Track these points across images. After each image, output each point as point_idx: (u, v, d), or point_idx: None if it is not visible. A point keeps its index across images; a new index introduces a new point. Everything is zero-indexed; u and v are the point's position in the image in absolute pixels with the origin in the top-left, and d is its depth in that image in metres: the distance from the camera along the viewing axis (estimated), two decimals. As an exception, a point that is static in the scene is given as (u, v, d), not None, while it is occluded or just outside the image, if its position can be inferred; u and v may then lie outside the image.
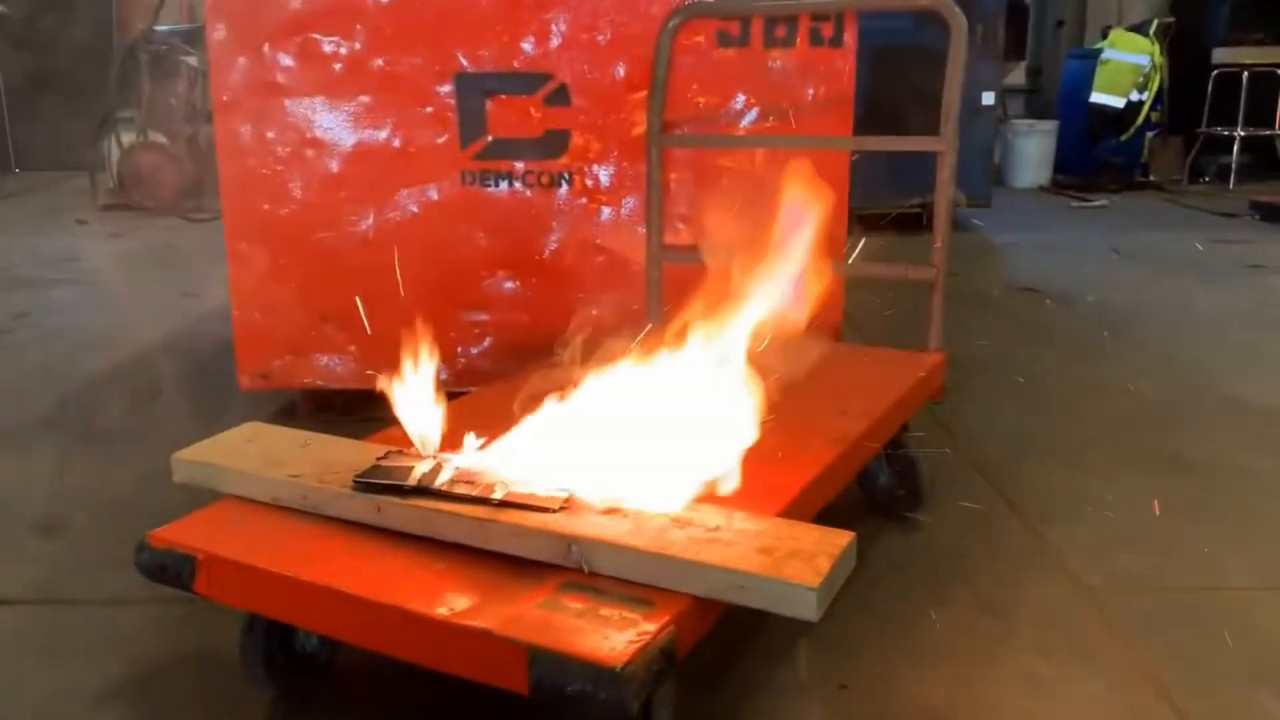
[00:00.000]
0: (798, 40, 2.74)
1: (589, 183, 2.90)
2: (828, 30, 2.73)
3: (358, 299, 2.81)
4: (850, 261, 2.73)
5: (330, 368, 3.00)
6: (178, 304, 4.65)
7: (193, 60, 7.71)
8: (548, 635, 1.27)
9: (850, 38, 2.73)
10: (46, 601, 2.09)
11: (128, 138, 7.28)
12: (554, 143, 2.87)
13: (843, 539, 1.40)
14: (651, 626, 1.29)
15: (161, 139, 7.46)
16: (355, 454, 1.72)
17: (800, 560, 1.34)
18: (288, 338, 2.98)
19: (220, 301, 4.53)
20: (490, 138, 2.86)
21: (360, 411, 3.01)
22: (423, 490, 1.55)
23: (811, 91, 2.76)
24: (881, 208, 5.99)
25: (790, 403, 2.11)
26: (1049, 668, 1.83)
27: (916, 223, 6.31)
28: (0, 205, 7.96)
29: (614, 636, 1.26)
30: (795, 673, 1.81)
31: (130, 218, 7.14)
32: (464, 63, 2.82)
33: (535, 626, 1.29)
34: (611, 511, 1.50)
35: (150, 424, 3.11)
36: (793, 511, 1.59)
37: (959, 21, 2.34)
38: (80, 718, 1.71)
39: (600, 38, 2.78)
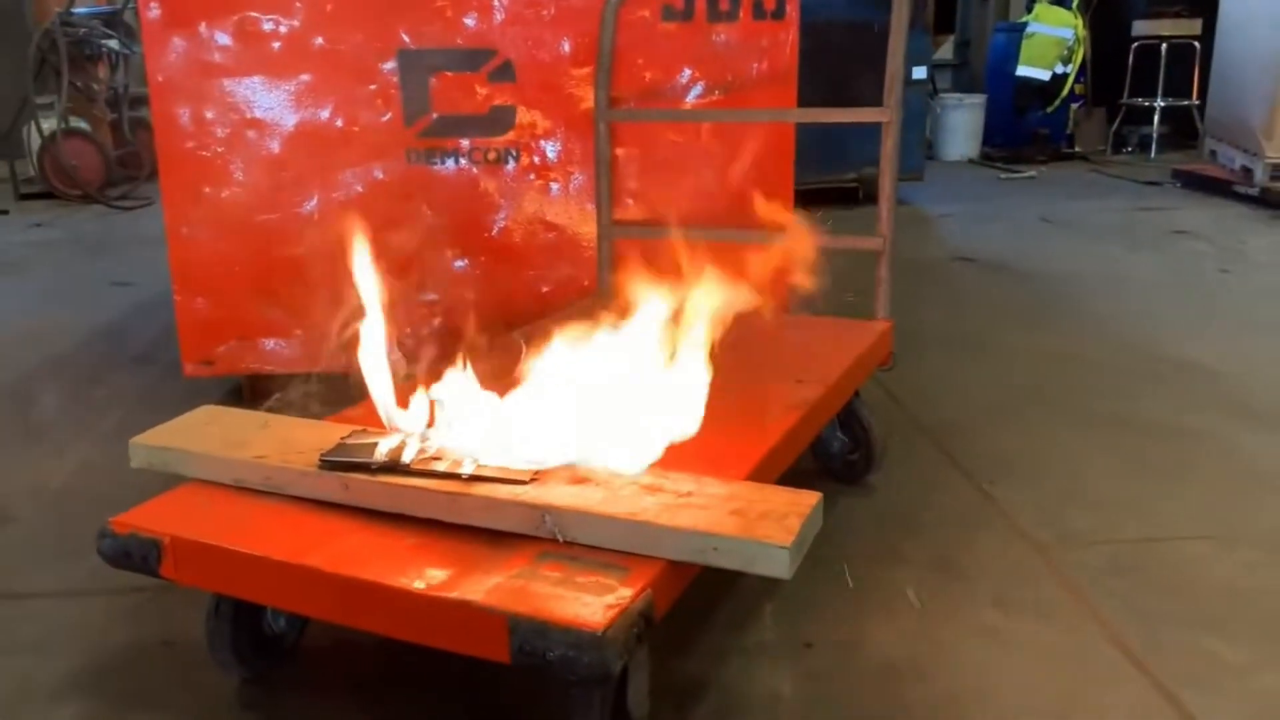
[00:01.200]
0: (741, 14, 2.76)
1: (536, 159, 2.89)
2: (770, 3, 2.75)
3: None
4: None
5: (276, 352, 2.96)
6: (109, 293, 4.55)
7: (113, 44, 7.50)
8: (527, 603, 1.28)
9: (793, 10, 2.75)
10: (-3, 596, 2.05)
11: (48, 124, 7.07)
12: (500, 119, 2.85)
13: (810, 499, 1.43)
14: (629, 590, 1.30)
15: (83, 125, 7.26)
16: (316, 434, 1.71)
17: (771, 521, 1.37)
18: (232, 323, 2.94)
19: (152, 289, 4.46)
20: (435, 115, 2.84)
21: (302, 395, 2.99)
22: (390, 467, 1.55)
23: (755, 65, 2.78)
24: (818, 182, 6.04)
25: (746, 371, 2.14)
26: (1005, 620, 1.89)
27: (852, 197, 6.39)
28: (-86, 196, 7.68)
29: (593, 601, 1.28)
30: (762, 634, 1.84)
31: (52, 206, 6.95)
32: (406, 39, 2.79)
33: (514, 595, 1.30)
34: (581, 481, 1.51)
35: (89, 414, 3.05)
36: (756, 477, 1.62)
37: (902, -8, 2.38)
38: (40, 711, 1.68)
39: (544, 12, 2.77)
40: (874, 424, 2.37)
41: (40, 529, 2.32)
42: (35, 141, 7.13)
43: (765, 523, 1.36)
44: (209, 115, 2.81)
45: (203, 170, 2.83)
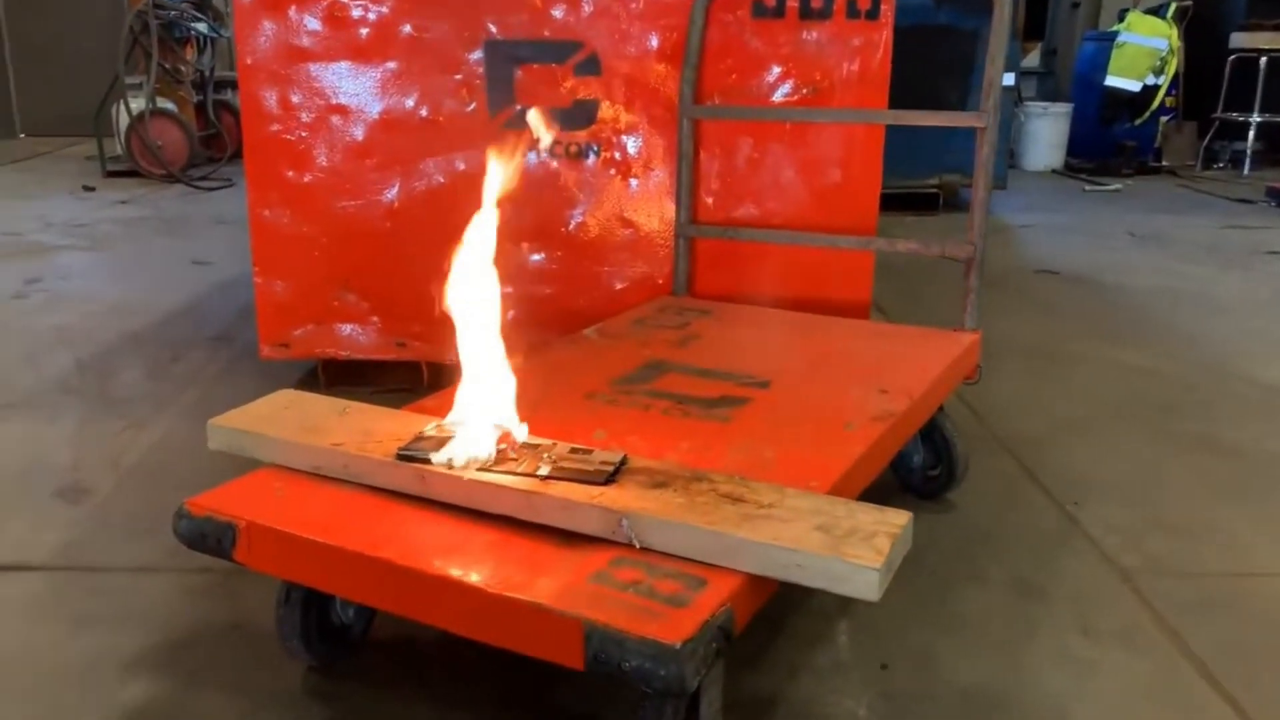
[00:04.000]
0: (834, 12, 2.69)
1: (617, 154, 2.86)
2: (864, 3, 2.68)
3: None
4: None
5: (353, 337, 2.97)
6: (189, 271, 4.62)
7: (202, 27, 7.65)
8: (604, 610, 1.24)
9: (888, 10, 2.67)
10: (73, 568, 2.07)
11: (136, 104, 7.21)
12: (583, 112, 2.82)
13: (900, 518, 1.38)
14: (709, 603, 1.26)
15: (170, 106, 7.40)
16: (394, 423, 1.69)
17: (859, 539, 1.32)
18: (309, 307, 2.95)
19: (231, 270, 4.52)
20: (519, 106, 2.81)
21: (381, 382, 3.00)
22: (467, 462, 1.52)
23: (847, 65, 2.71)
24: (898, 187, 5.93)
25: (828, 378, 2.09)
26: (1091, 648, 1.82)
27: (933, 203, 6.27)
28: (7, 171, 7.90)
29: (672, 613, 1.24)
30: (835, 653, 1.79)
31: (137, 185, 7.10)
32: (493, 29, 2.77)
33: (590, 601, 1.27)
34: (660, 485, 1.47)
35: (167, 391, 3.09)
36: (838, 490, 1.57)
37: (1003, -5, 2.31)
38: (112, 682, 1.69)
39: (633, 6, 2.73)
40: (957, 439, 2.30)
41: (116, 503, 2.34)
42: (123, 121, 7.28)
43: (853, 541, 1.31)
44: (295, 99, 2.82)
45: (286, 154, 2.85)
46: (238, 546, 1.50)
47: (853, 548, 1.29)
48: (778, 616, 1.86)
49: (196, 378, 3.21)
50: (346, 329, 2.96)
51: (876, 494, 1.67)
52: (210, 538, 1.51)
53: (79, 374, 3.24)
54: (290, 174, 2.85)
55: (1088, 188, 7.65)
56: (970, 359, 2.33)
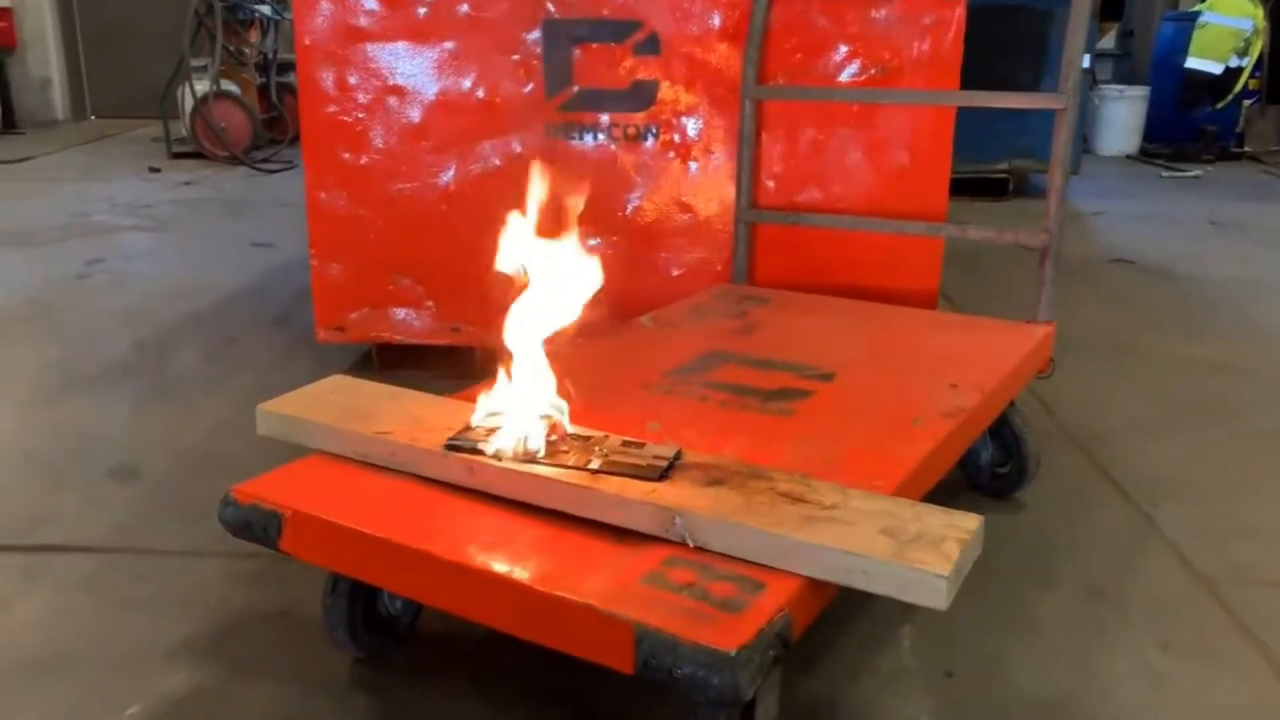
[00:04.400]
0: (905, -11, 2.59)
1: (676, 137, 2.78)
2: (937, -21, 2.58)
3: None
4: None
5: (407, 322, 2.93)
6: (250, 253, 4.64)
7: (265, 9, 7.69)
8: (656, 614, 1.19)
9: (961, -13, 2.57)
10: (123, 550, 2.06)
11: (200, 86, 7.28)
12: (642, 94, 2.75)
13: (970, 523, 1.30)
14: (766, 609, 1.20)
15: (233, 88, 7.46)
16: (444, 411, 1.65)
17: (926, 544, 1.24)
18: (365, 290, 2.92)
19: (290, 252, 4.53)
20: (576, 88, 2.75)
21: (436, 367, 2.97)
22: (518, 454, 1.47)
23: (917, 44, 2.61)
24: (965, 172, 5.78)
25: (895, 372, 2.01)
26: (1169, 659, 1.72)
27: (1001, 188, 6.11)
28: (76, 152, 8.02)
29: (727, 618, 1.18)
30: (898, 658, 1.71)
31: (201, 166, 7.16)
32: (551, 9, 2.71)
33: (642, 603, 1.21)
34: (716, 482, 1.41)
35: (224, 373, 3.09)
36: (904, 490, 1.49)
37: (1085, -29, 2.19)
38: (157, 668, 1.67)
39: (695, -17, 2.66)
40: (1028, 435, 2.20)
41: (168, 486, 2.34)
42: (188, 103, 7.35)
43: (919, 546, 1.23)
44: (352, 80, 2.78)
45: (343, 136, 2.82)
46: (284, 535, 1.47)
47: (920, 553, 1.22)
48: (837, 617, 1.79)
49: (253, 360, 3.20)
50: (401, 313, 2.93)
51: (941, 493, 1.60)
52: (256, 526, 1.49)
53: (138, 355, 3.25)
54: (347, 156, 2.82)
55: (1165, 174, 7.40)
56: (1043, 352, 2.23)
